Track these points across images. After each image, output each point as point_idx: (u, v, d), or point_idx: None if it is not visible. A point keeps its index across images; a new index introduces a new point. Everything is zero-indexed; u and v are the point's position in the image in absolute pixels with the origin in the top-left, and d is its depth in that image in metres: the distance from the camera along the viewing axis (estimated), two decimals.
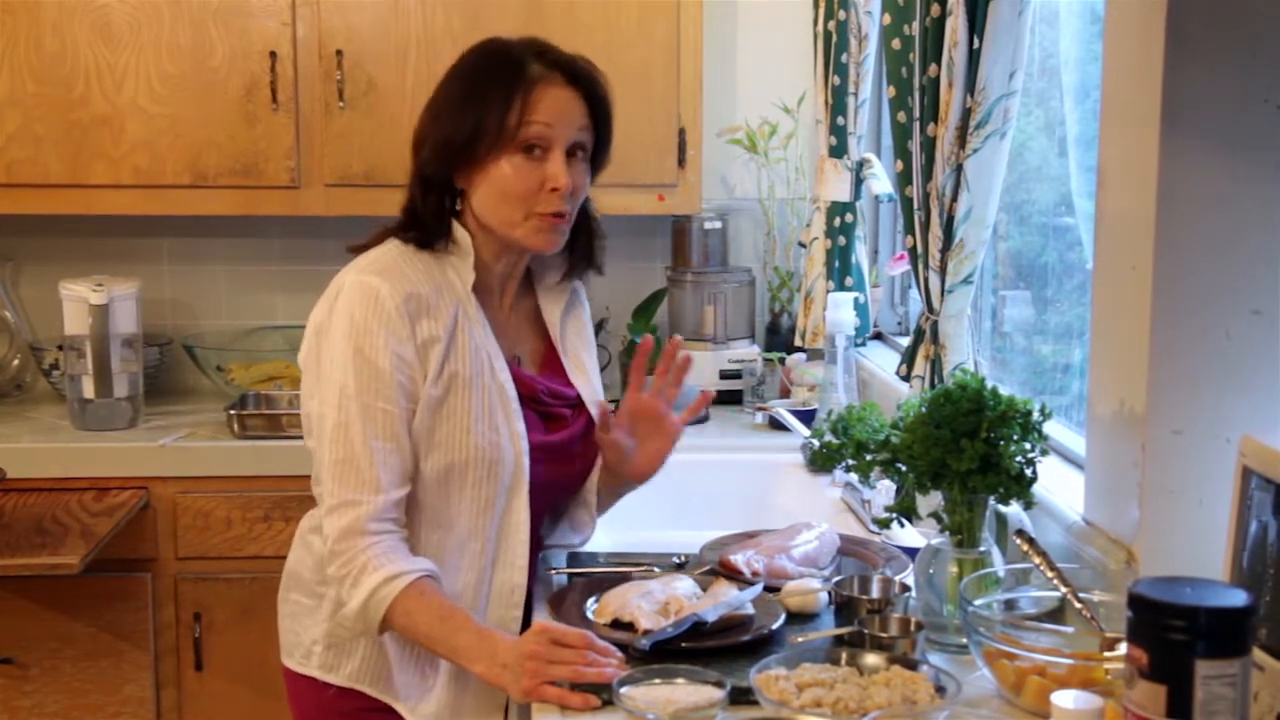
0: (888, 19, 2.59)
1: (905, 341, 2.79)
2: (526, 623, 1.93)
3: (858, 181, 3.29)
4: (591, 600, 1.92)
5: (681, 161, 3.30)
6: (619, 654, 1.71)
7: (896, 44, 2.56)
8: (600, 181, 2.02)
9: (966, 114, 2.28)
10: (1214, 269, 1.71)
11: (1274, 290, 1.71)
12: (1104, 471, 1.90)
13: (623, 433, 2.01)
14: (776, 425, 3.04)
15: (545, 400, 2.00)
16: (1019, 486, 1.81)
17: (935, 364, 2.48)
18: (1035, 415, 1.81)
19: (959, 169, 2.31)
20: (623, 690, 1.56)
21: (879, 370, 3.08)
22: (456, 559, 1.92)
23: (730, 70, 3.58)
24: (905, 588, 1.90)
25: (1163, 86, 1.69)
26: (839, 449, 2.06)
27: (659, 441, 2.04)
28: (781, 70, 3.52)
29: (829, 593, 1.93)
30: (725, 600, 1.86)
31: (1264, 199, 1.70)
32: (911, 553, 2.06)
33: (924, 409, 1.84)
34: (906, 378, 2.62)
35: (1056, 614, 1.77)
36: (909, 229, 2.53)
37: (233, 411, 3.16)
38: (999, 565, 1.84)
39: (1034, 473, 1.83)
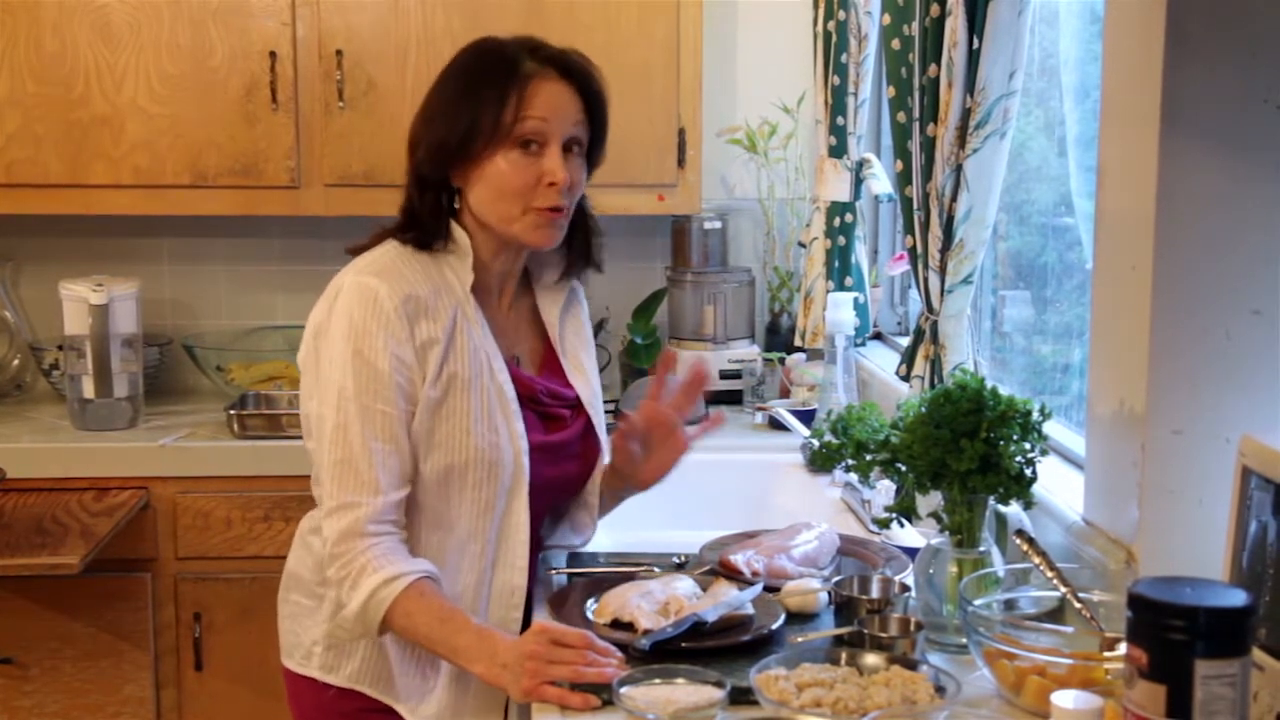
0: (887, 19, 2.59)
1: (905, 341, 2.79)
2: (527, 623, 1.93)
3: (857, 181, 3.29)
4: (591, 600, 1.92)
5: (681, 161, 3.30)
6: (619, 654, 1.71)
7: (896, 44, 2.56)
8: (600, 181, 2.02)
9: (966, 114, 2.28)
10: (1214, 269, 1.71)
11: (1274, 290, 1.71)
12: (1104, 471, 1.90)
13: (634, 440, 2.03)
14: (776, 425, 3.04)
15: (544, 401, 2.00)
16: (1019, 486, 1.81)
17: (935, 364, 2.48)
18: (1035, 415, 1.81)
19: (959, 169, 2.31)
20: (623, 690, 1.56)
21: (879, 370, 3.08)
22: (457, 560, 1.92)
23: (730, 70, 3.58)
24: (905, 588, 1.90)
25: (1162, 86, 1.69)
26: (839, 449, 2.06)
27: (667, 453, 2.06)
28: (781, 70, 3.52)
29: (829, 593, 1.93)
30: (725, 600, 1.86)
31: (1264, 199, 1.70)
32: (911, 553, 2.06)
33: (924, 409, 1.84)
34: (906, 378, 2.62)
35: (1056, 614, 1.77)
36: (909, 229, 2.53)
37: (233, 411, 3.16)
38: (999, 565, 1.84)
39: (1034, 473, 1.83)
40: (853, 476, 2.36)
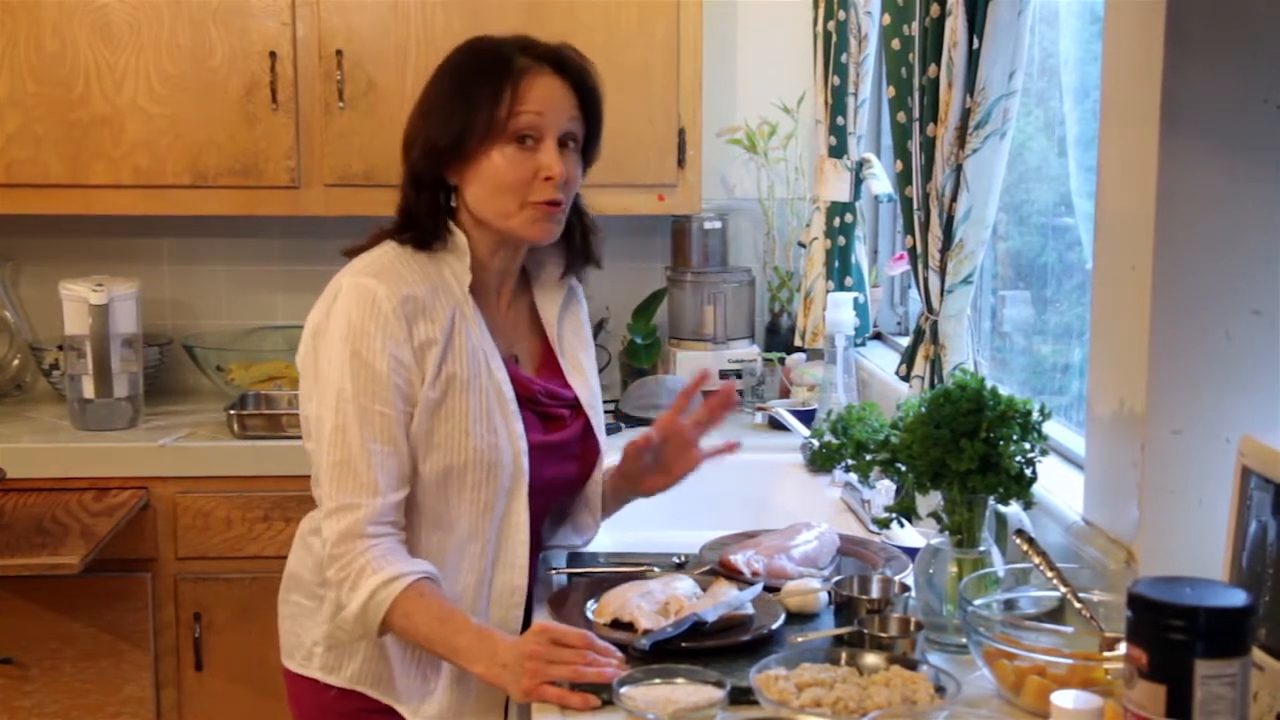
0: (887, 19, 2.59)
1: (905, 341, 2.79)
2: (527, 623, 1.93)
3: (857, 181, 3.29)
4: (591, 600, 1.92)
5: (681, 161, 3.30)
6: (619, 654, 1.71)
7: (896, 44, 2.56)
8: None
9: (966, 114, 2.28)
10: (1214, 269, 1.71)
11: (1274, 290, 1.71)
12: (1104, 471, 1.90)
13: (648, 449, 2.04)
14: (776, 425, 3.04)
15: (543, 401, 2.00)
16: (1019, 486, 1.81)
17: (935, 364, 2.48)
18: (1035, 415, 1.81)
19: (958, 169, 2.31)
20: (623, 690, 1.56)
21: (879, 370, 3.08)
22: (457, 560, 1.92)
23: (730, 70, 3.58)
24: (905, 588, 1.90)
25: (1162, 86, 1.69)
26: (839, 449, 2.06)
27: (678, 466, 2.08)
28: (781, 70, 3.52)
29: (829, 593, 1.93)
30: (725, 600, 1.86)
31: (1264, 199, 1.70)
32: (911, 553, 2.06)
33: (924, 409, 1.84)
34: (906, 378, 2.62)
35: (1056, 614, 1.77)
36: (908, 229, 2.53)
37: (233, 411, 3.16)
38: (999, 565, 1.84)
39: (1034, 473, 1.83)
40: (853, 476, 2.36)
